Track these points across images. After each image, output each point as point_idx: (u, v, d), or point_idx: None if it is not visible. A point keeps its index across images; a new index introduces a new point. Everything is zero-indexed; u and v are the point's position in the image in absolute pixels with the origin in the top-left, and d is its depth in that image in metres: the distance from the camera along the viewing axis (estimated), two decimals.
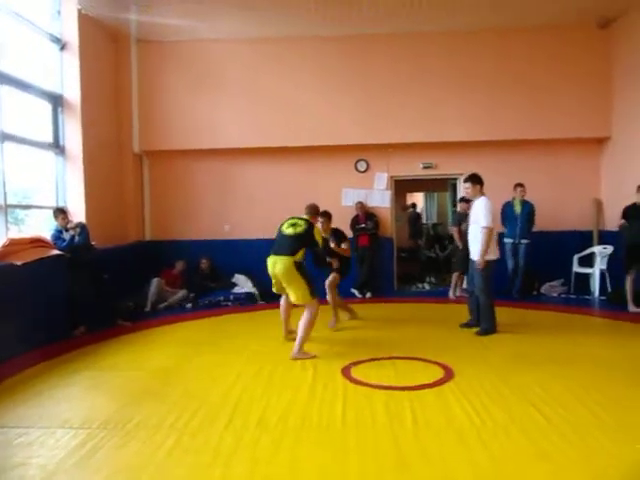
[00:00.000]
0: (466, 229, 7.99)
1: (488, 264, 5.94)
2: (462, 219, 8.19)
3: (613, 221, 8.50)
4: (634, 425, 3.43)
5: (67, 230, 6.64)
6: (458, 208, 8.49)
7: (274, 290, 5.79)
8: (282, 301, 6.05)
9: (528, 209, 8.13)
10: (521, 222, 8.13)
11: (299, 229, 5.47)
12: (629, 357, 4.99)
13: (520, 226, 8.14)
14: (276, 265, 5.35)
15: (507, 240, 8.32)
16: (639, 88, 7.93)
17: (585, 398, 3.91)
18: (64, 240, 6.56)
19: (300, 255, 5.38)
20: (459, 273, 8.35)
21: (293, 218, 5.68)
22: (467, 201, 8.22)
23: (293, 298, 5.41)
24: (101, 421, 3.69)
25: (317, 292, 5.42)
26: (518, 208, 8.26)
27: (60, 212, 6.75)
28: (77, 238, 6.62)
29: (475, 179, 6.14)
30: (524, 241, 8.15)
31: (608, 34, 8.65)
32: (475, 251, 6.01)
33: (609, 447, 3.14)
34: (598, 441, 3.21)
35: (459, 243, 8.18)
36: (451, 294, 8.43)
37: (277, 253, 5.40)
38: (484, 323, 6.04)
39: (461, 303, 7.96)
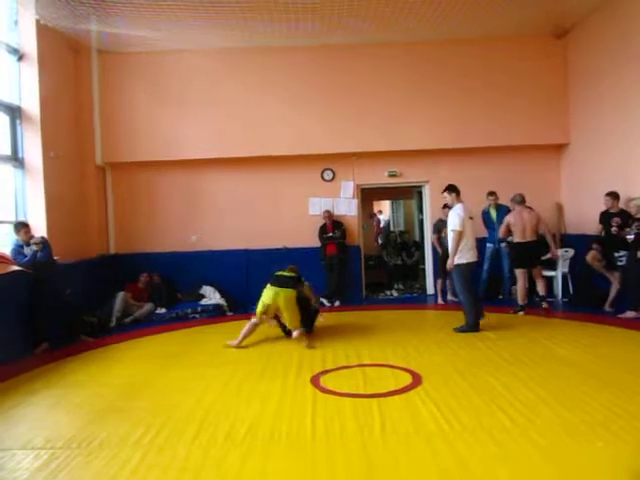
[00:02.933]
0: (445, 236, 8.12)
1: (460, 267, 6.35)
2: (442, 226, 8.26)
3: (574, 225, 8.74)
4: (596, 424, 3.50)
5: (29, 245, 6.45)
6: (443, 216, 8.43)
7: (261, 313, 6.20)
8: (253, 322, 6.23)
9: (504, 213, 8.24)
10: (498, 227, 8.26)
11: (293, 273, 6.40)
12: (591, 357, 5.10)
13: (497, 231, 8.28)
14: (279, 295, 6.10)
15: (488, 245, 8.54)
16: (593, 95, 8.22)
17: (549, 399, 3.99)
18: (25, 255, 6.37)
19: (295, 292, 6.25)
20: (441, 279, 8.52)
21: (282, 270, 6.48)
22: (450, 208, 8.34)
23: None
24: (64, 440, 3.59)
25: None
26: (494, 214, 8.45)
27: (22, 226, 6.55)
28: (39, 254, 6.42)
29: (451, 188, 6.64)
30: (503, 244, 8.31)
31: (564, 43, 8.94)
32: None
33: (572, 447, 3.20)
34: (562, 441, 3.28)
35: (439, 250, 8.41)
36: (439, 299, 8.59)
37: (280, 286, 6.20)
38: (466, 323, 6.45)
39: (442, 309, 8.11)
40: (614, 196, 7.20)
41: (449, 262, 6.43)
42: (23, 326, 6.12)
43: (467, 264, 6.41)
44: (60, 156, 7.90)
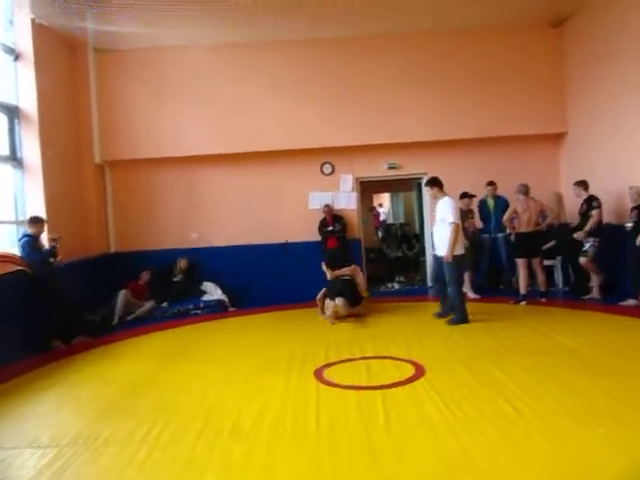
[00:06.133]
0: (468, 227, 8.05)
1: (456, 258, 6.34)
2: (464, 217, 8.10)
3: (574, 214, 8.71)
4: (598, 410, 3.53)
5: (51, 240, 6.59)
6: (461, 205, 8.02)
7: None
8: None
9: (502, 204, 8.24)
10: (495, 217, 8.25)
11: None
12: (593, 346, 5.11)
13: (495, 221, 8.28)
14: None
15: (484, 236, 8.53)
16: (591, 84, 8.20)
17: (552, 387, 4.01)
18: (40, 249, 6.43)
19: None
20: (469, 272, 8.07)
21: None
22: (470, 197, 8.21)
23: None
24: (70, 438, 3.61)
25: None
26: (491, 204, 8.46)
27: (39, 220, 6.56)
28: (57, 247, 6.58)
29: (433, 182, 6.63)
30: (500, 235, 8.30)
31: (560, 32, 8.92)
32: (442, 247, 6.38)
33: (575, 433, 3.23)
34: (565, 428, 3.30)
35: (465, 242, 7.86)
36: (470, 294, 7.99)
37: None
38: (457, 314, 6.42)
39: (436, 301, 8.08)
40: (578, 184, 7.44)
41: (447, 254, 6.27)
42: (27, 325, 6.12)
43: (462, 255, 6.50)
44: (59, 155, 7.89)
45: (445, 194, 6.57)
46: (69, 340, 6.43)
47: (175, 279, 8.73)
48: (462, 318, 6.40)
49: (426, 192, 9.25)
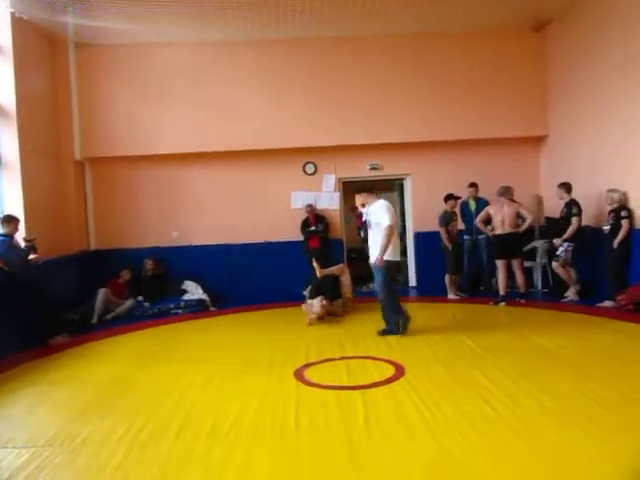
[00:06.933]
0: (452, 229, 8.08)
1: (388, 264, 5.89)
2: (450, 219, 8.14)
3: (553, 216, 8.85)
4: (573, 410, 3.58)
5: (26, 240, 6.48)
6: (446, 207, 8.19)
7: None
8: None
9: (483, 205, 8.27)
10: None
11: None
12: (571, 347, 5.17)
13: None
14: None
15: (465, 237, 8.57)
16: (571, 88, 8.32)
17: (529, 388, 4.05)
18: (17, 249, 6.31)
19: None
20: (451, 275, 8.14)
21: None
22: (455, 198, 8.23)
23: None
24: (46, 439, 3.55)
25: None
26: (472, 206, 8.48)
27: (14, 219, 6.42)
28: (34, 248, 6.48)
29: (366, 190, 6.34)
30: (481, 236, 8.34)
31: (542, 37, 9.02)
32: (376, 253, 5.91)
33: (551, 432, 3.27)
34: (541, 428, 3.34)
35: (448, 244, 8.05)
36: (451, 295, 8.13)
37: None
38: (389, 324, 6.04)
39: (421, 302, 8.12)
40: (561, 186, 7.53)
41: (379, 258, 5.82)
42: (5, 323, 6.02)
43: (395, 262, 6.05)
44: (38, 151, 7.78)
45: (377, 198, 6.18)
46: (46, 340, 6.32)
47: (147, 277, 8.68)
48: (396, 328, 5.93)
49: (408, 191, 9.52)
